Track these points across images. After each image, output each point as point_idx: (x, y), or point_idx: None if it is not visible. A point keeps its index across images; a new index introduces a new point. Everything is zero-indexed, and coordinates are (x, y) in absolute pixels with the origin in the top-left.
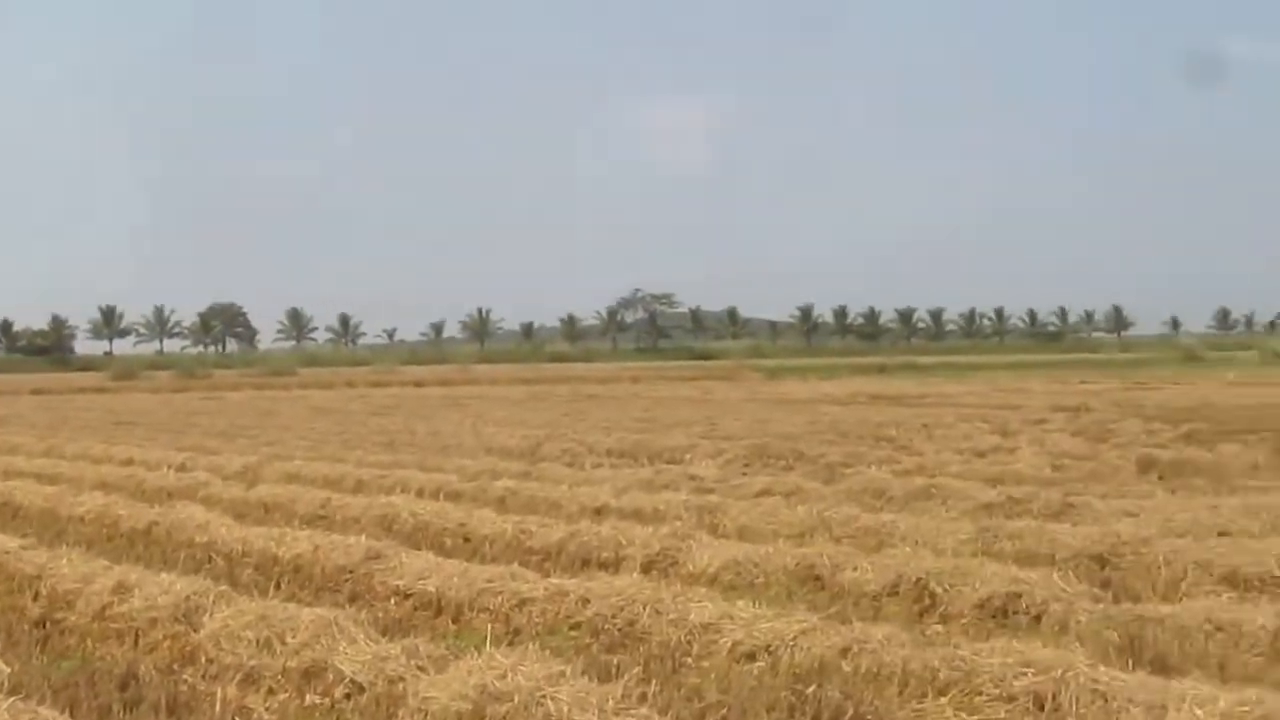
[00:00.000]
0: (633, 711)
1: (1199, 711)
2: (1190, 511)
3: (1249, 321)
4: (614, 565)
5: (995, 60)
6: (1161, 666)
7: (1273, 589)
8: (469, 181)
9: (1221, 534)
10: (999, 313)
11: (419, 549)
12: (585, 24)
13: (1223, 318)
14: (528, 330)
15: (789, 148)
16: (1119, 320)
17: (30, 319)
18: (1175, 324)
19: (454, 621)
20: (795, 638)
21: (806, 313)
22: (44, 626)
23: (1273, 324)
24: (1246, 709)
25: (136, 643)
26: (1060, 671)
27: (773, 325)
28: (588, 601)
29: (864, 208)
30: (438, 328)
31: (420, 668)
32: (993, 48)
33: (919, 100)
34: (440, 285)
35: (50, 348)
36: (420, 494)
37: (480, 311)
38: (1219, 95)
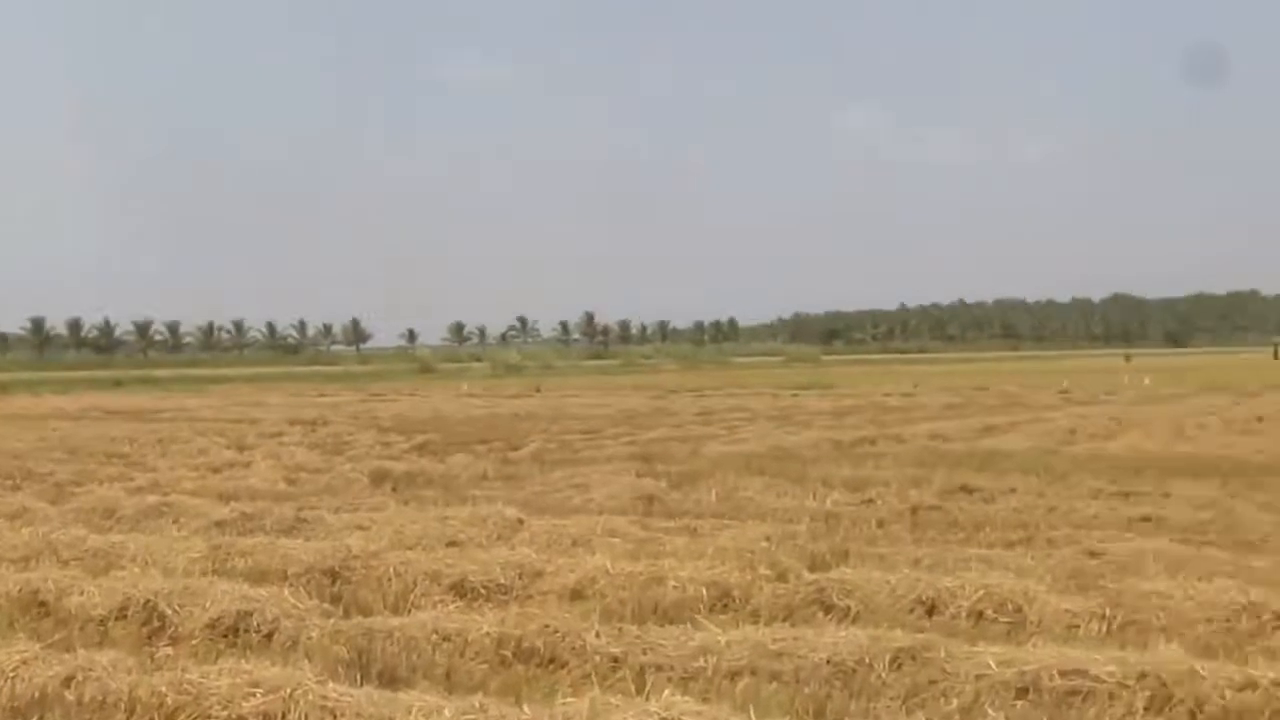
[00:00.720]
0: None
1: None
2: (421, 523)
3: (482, 334)
4: None
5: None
6: (390, 679)
7: (498, 596)
8: None
9: (450, 544)
10: (238, 325)
11: None
12: None
13: (458, 331)
14: None
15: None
16: (357, 333)
17: None
18: (413, 336)
19: None
20: (15, 669)
21: (38, 325)
22: None
23: (504, 336)
24: (472, 717)
25: None
26: (289, 690)
27: (2, 338)
28: None
29: (95, 219)
30: None
31: None
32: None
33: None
34: None
35: None
36: None
37: None
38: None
